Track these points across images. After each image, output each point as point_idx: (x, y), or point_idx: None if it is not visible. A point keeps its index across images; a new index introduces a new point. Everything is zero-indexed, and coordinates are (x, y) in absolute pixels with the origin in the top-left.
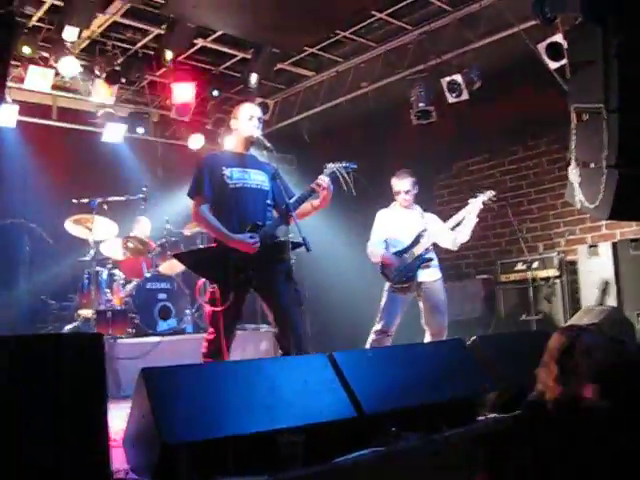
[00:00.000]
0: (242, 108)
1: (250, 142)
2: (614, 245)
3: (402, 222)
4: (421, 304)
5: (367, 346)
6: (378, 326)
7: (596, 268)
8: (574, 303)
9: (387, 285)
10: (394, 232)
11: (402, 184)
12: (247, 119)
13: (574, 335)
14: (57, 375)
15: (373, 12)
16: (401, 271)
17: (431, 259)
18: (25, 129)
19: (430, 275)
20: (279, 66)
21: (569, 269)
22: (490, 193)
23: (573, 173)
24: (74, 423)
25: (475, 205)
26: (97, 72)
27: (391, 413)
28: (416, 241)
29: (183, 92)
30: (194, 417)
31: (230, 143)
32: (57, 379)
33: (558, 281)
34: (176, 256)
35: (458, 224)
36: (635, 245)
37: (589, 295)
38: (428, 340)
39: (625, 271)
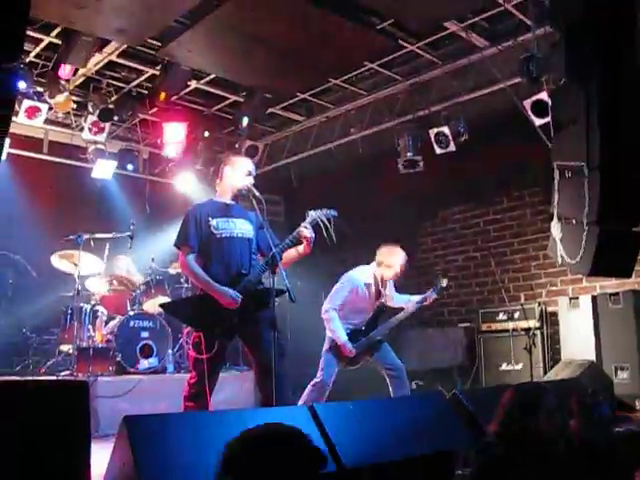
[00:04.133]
0: (241, 162)
1: (241, 194)
2: (594, 298)
3: (368, 293)
4: (370, 360)
5: (303, 398)
6: (317, 379)
7: (576, 321)
8: (554, 354)
9: (327, 346)
10: (355, 302)
11: (404, 262)
12: (245, 174)
13: (537, 395)
14: (38, 424)
15: (365, 62)
16: (355, 358)
17: (381, 340)
18: (15, 162)
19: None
20: (270, 110)
21: (550, 320)
22: (445, 281)
23: (555, 228)
24: (56, 471)
25: (433, 295)
26: (90, 109)
27: (370, 467)
28: (374, 323)
29: (174, 132)
30: (175, 467)
31: (218, 191)
32: (38, 428)
33: (539, 332)
34: (162, 306)
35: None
36: (614, 299)
37: (569, 347)
38: (391, 380)
39: (604, 325)
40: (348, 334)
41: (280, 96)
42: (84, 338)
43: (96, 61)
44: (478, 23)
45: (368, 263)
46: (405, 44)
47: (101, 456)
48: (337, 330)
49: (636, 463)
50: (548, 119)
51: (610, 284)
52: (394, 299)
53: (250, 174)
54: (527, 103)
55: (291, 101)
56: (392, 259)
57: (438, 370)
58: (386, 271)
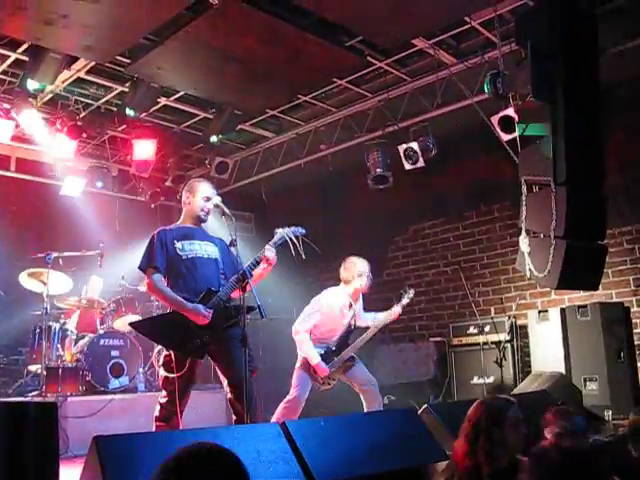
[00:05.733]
0: (200, 187)
1: (201, 219)
2: (562, 311)
3: (341, 315)
4: (343, 377)
5: (275, 415)
6: (290, 397)
7: (545, 333)
8: (525, 367)
9: (300, 363)
10: (327, 324)
11: (368, 267)
12: (204, 200)
13: (502, 408)
14: (5, 446)
15: (334, 79)
16: (329, 378)
17: (354, 358)
18: None
19: (349, 365)
20: (240, 126)
21: (520, 333)
22: (412, 292)
23: (523, 242)
24: None
25: (398, 308)
26: (58, 126)
27: None
28: (345, 343)
29: (144, 149)
30: None
31: (182, 217)
32: (6, 450)
33: (509, 345)
34: (132, 325)
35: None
36: (582, 311)
37: (539, 359)
38: (364, 395)
39: (572, 337)
40: (320, 354)
41: (250, 113)
42: (53, 358)
43: (64, 78)
44: (446, 40)
45: (338, 282)
46: (374, 61)
47: (70, 477)
48: (309, 352)
49: (606, 474)
50: (515, 134)
51: (578, 297)
52: (361, 317)
53: (209, 199)
54: (494, 119)
55: (261, 118)
56: (356, 270)
57: (410, 384)
58: (356, 284)
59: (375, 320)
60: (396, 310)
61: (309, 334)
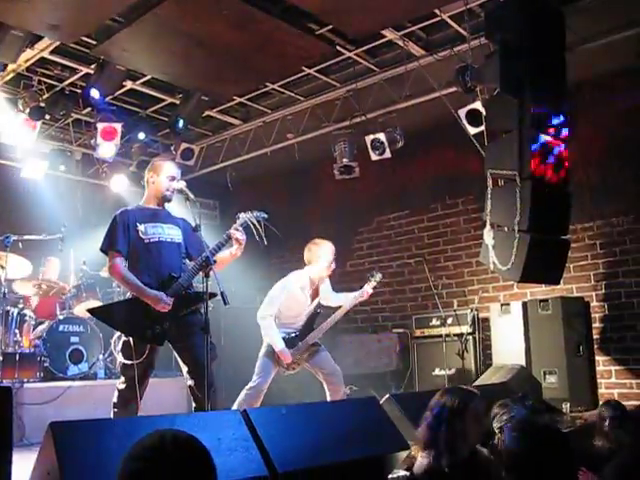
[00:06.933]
0: (165, 167)
1: (166, 199)
2: (524, 305)
3: (304, 296)
4: (307, 365)
5: (237, 403)
6: (253, 384)
7: (507, 326)
8: (486, 359)
9: (264, 350)
10: (291, 307)
11: (331, 251)
12: (169, 179)
13: (465, 399)
14: None
15: (302, 67)
16: (293, 364)
17: (319, 344)
18: None
19: (313, 350)
20: (207, 113)
21: (482, 326)
22: (379, 276)
23: (488, 235)
24: None
25: (368, 288)
26: (20, 107)
27: (304, 471)
28: (310, 327)
29: (108, 132)
30: (104, 476)
31: (144, 197)
32: None
33: (471, 337)
34: (90, 311)
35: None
36: (543, 305)
37: (500, 352)
38: (328, 385)
39: (533, 330)
40: (285, 339)
41: (217, 99)
42: (10, 343)
43: (27, 57)
44: (415, 32)
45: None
46: (343, 50)
47: (25, 466)
48: (274, 337)
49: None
50: (482, 128)
51: (540, 291)
52: (331, 299)
53: (174, 179)
54: (462, 112)
55: (228, 104)
56: (319, 252)
57: (372, 375)
58: (318, 267)
59: (346, 299)
60: (367, 290)
61: (274, 319)
